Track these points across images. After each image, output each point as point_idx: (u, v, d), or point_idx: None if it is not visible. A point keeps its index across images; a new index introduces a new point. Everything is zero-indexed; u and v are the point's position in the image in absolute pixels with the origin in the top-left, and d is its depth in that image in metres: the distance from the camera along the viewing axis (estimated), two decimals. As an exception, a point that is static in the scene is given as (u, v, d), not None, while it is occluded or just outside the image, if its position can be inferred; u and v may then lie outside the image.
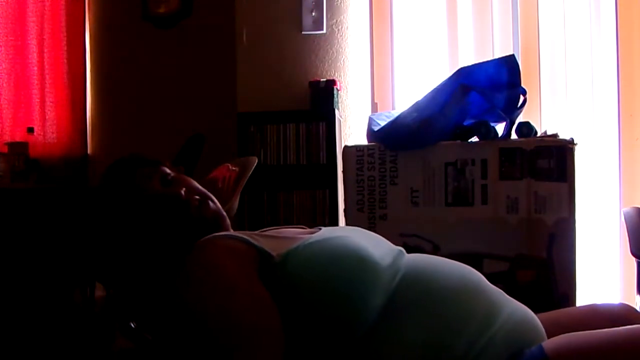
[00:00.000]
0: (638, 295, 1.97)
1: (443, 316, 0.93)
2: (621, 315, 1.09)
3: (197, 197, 1.11)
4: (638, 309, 1.84)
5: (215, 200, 1.14)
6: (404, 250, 1.08)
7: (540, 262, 1.67)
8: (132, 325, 1.11)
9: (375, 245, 1.04)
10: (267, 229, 1.20)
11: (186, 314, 0.93)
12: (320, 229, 1.15)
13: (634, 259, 1.94)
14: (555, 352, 0.90)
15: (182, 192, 1.09)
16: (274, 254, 0.97)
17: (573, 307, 1.24)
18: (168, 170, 1.14)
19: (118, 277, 1.10)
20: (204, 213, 1.10)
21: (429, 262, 1.05)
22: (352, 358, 0.92)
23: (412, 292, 0.96)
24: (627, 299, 2.46)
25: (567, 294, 1.65)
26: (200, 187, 1.15)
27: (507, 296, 1.04)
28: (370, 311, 0.93)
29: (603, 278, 2.55)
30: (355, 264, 0.96)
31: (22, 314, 2.79)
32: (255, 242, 0.99)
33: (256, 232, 1.11)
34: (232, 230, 1.12)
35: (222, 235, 1.03)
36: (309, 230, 1.18)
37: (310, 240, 1.01)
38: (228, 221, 1.13)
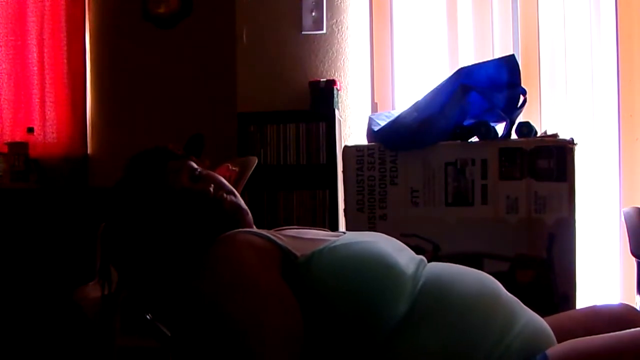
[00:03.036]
0: (638, 295, 1.97)
1: (462, 326, 0.93)
2: (622, 315, 1.09)
3: (224, 193, 1.10)
4: (638, 309, 1.85)
5: (239, 196, 1.13)
6: (425, 260, 1.07)
7: (540, 262, 1.66)
8: (148, 318, 1.11)
9: (400, 254, 1.03)
10: (286, 227, 1.18)
11: (206, 309, 0.91)
12: (344, 233, 1.14)
13: (634, 259, 1.94)
14: (559, 358, 0.90)
15: (211, 188, 1.08)
16: (298, 254, 0.96)
17: (574, 310, 1.24)
18: (195, 165, 1.12)
19: (141, 268, 1.08)
20: (229, 208, 1.09)
21: (449, 271, 1.04)
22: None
23: (432, 301, 0.95)
24: (627, 299, 2.46)
25: (567, 294, 1.65)
26: (226, 182, 1.14)
27: (522, 305, 1.04)
28: (393, 318, 0.92)
29: (603, 278, 2.55)
30: (382, 271, 0.95)
31: (22, 314, 2.79)
32: (279, 241, 0.98)
33: (275, 229, 1.10)
34: (254, 227, 1.11)
35: (245, 231, 1.02)
36: (332, 233, 1.16)
37: (336, 244, 0.99)
38: (250, 217, 1.11)
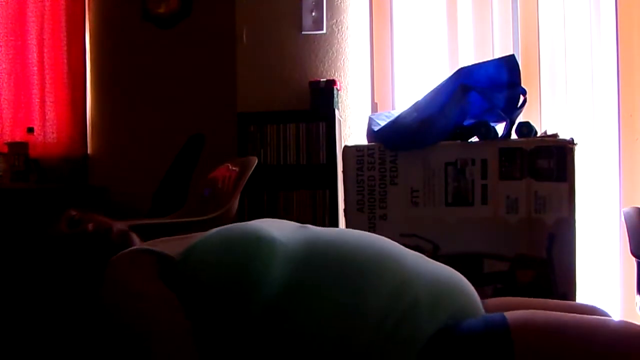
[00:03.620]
0: (638, 295, 1.97)
1: (351, 284, 0.95)
2: (590, 312, 1.09)
3: (105, 227, 1.20)
4: (638, 309, 1.85)
5: (117, 224, 1.23)
6: (309, 226, 1.13)
7: (540, 262, 1.66)
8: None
9: (277, 227, 1.08)
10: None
11: (108, 322, 1.00)
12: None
13: (634, 259, 1.94)
14: (518, 324, 0.90)
15: (89, 227, 1.18)
16: (173, 254, 1.03)
17: (548, 300, 1.25)
18: (73, 212, 1.23)
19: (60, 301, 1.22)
20: (115, 237, 1.19)
21: (334, 234, 1.08)
22: (264, 334, 0.94)
23: (317, 265, 0.99)
24: (627, 299, 2.46)
25: (567, 294, 1.65)
26: (103, 218, 1.24)
27: (430, 260, 1.06)
28: (270, 284, 0.95)
29: (603, 278, 2.55)
30: (249, 241, 1.00)
31: (23, 314, 2.79)
32: (155, 248, 1.06)
33: (171, 237, 1.18)
34: (138, 243, 1.19)
35: (125, 251, 1.09)
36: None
37: (210, 232, 1.06)
38: (134, 237, 1.21)
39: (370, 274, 0.97)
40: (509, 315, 0.93)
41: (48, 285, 1.16)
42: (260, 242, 1.00)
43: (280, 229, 1.07)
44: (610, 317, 1.06)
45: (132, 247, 1.11)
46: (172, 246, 1.06)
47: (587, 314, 1.05)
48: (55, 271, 1.16)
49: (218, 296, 0.96)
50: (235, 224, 1.10)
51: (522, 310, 0.97)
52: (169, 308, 0.96)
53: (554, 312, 0.96)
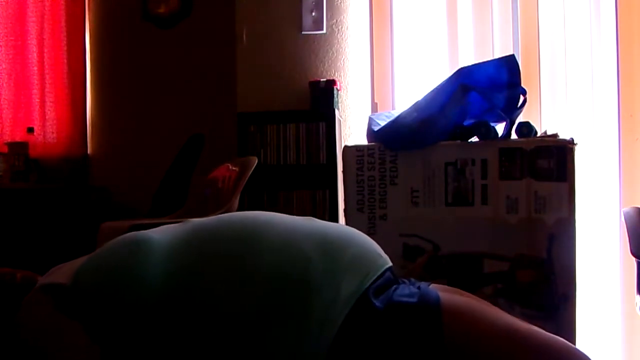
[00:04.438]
0: (638, 295, 1.97)
1: (229, 261, 0.97)
2: None
3: (6, 275, 1.21)
4: (638, 309, 1.85)
5: (20, 272, 1.23)
6: (192, 220, 1.15)
7: (540, 262, 1.66)
8: None
9: (157, 229, 1.12)
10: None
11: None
12: None
13: (634, 259, 1.94)
14: (450, 304, 0.93)
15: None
16: (63, 280, 1.05)
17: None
18: None
19: None
20: (18, 282, 1.19)
21: (216, 218, 1.11)
22: (162, 324, 0.96)
23: (196, 249, 1.02)
24: (627, 299, 2.46)
25: (567, 294, 1.65)
26: (6, 269, 1.25)
27: (319, 222, 1.08)
28: (153, 276, 0.98)
29: (603, 278, 2.55)
30: (125, 246, 1.04)
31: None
32: (46, 281, 1.08)
33: (66, 262, 1.20)
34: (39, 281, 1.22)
35: (30, 294, 1.10)
36: None
37: (97, 250, 1.10)
38: (36, 278, 1.22)
39: (247, 244, 0.99)
40: (444, 295, 0.95)
41: None
42: (137, 243, 1.03)
43: (160, 231, 1.10)
44: None
45: (34, 287, 1.13)
46: (64, 271, 1.09)
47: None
48: None
49: (106, 304, 0.99)
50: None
51: (462, 297, 0.99)
52: (65, 339, 0.98)
53: (495, 311, 0.97)
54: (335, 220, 2.51)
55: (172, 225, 1.15)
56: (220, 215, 1.14)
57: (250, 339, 0.92)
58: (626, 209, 2.02)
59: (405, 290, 0.97)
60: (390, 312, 0.92)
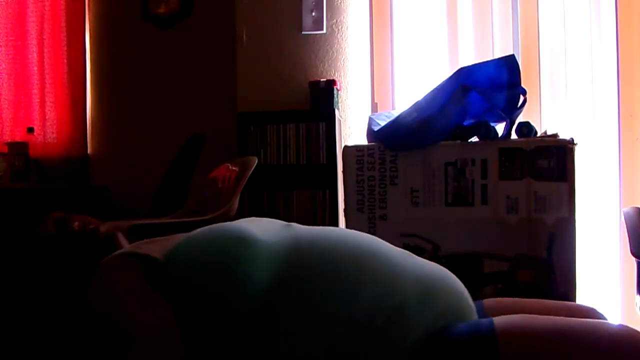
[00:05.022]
0: (638, 295, 1.97)
1: (335, 285, 0.95)
2: (586, 314, 1.09)
3: (94, 225, 1.20)
4: (638, 309, 1.85)
5: (104, 224, 1.22)
6: (293, 224, 1.12)
7: (540, 262, 1.66)
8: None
9: (260, 226, 1.08)
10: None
11: (93, 326, 1.00)
12: None
13: (634, 259, 1.94)
14: (505, 329, 0.91)
15: (74, 225, 1.18)
16: (157, 255, 1.03)
17: (547, 301, 1.24)
18: (61, 215, 1.23)
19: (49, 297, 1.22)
20: (99, 238, 1.19)
21: (320, 233, 1.08)
22: (251, 333, 0.94)
23: (304, 262, 0.98)
24: (627, 299, 2.46)
25: (567, 294, 1.65)
26: (90, 218, 1.24)
27: (417, 258, 1.06)
28: (254, 284, 0.95)
29: (603, 278, 2.55)
30: (233, 241, 1.00)
31: (23, 314, 2.79)
32: (139, 251, 1.06)
33: (156, 238, 1.17)
34: (125, 244, 1.19)
35: (113, 255, 1.09)
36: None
37: (193, 232, 1.07)
38: (120, 238, 1.21)
39: (356, 274, 0.96)
40: (498, 320, 0.93)
41: (35, 284, 1.15)
42: (244, 243, 1.00)
43: (264, 229, 1.07)
44: (606, 320, 1.06)
45: (119, 251, 1.10)
46: (156, 247, 1.06)
47: (584, 316, 1.05)
48: (42, 271, 1.16)
49: (204, 297, 0.96)
50: (218, 224, 1.10)
51: (511, 315, 0.97)
52: (153, 311, 0.95)
53: (544, 317, 0.95)
54: (335, 220, 2.51)
55: (271, 224, 1.12)
56: (324, 230, 1.10)
57: None
58: (626, 209, 2.02)
59: (462, 325, 0.96)
60: (447, 348, 0.91)
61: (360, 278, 0.96)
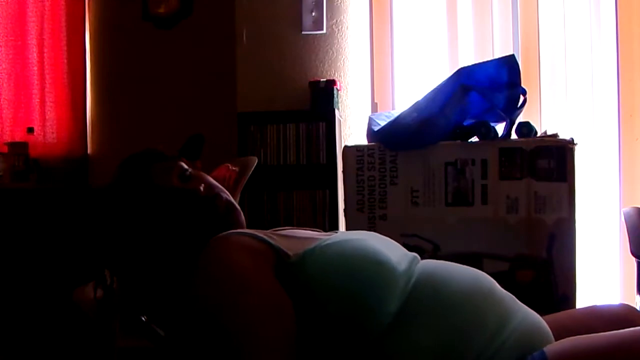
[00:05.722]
0: (638, 295, 1.97)
1: (456, 322, 0.93)
2: (622, 315, 1.09)
3: (217, 193, 1.10)
4: (638, 309, 1.85)
5: (230, 196, 1.12)
6: (418, 256, 1.07)
7: (540, 262, 1.66)
8: (143, 320, 1.10)
9: (391, 250, 1.03)
10: (281, 228, 1.18)
11: (199, 311, 0.92)
12: (336, 232, 1.14)
13: (634, 259, 1.94)
14: (558, 357, 0.90)
15: (201, 187, 1.07)
16: (290, 253, 0.96)
17: (574, 309, 1.24)
18: (186, 166, 1.12)
19: (134, 271, 1.07)
20: (222, 207, 1.08)
21: (442, 267, 1.04)
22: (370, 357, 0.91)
23: (425, 297, 0.96)
24: (627, 299, 2.46)
25: (567, 294, 1.65)
26: (216, 183, 1.13)
27: (518, 301, 1.04)
28: (385, 315, 0.92)
29: (603, 278, 2.55)
30: (373, 268, 0.95)
31: (23, 314, 2.79)
32: (272, 241, 0.98)
33: (270, 230, 1.10)
34: (244, 223, 1.11)
35: (238, 232, 1.01)
36: (324, 233, 1.17)
37: (328, 242, 0.99)
38: (243, 217, 1.11)
39: (475, 316, 0.94)
40: (548, 349, 0.92)
41: (144, 234, 1.03)
42: (382, 269, 0.95)
43: (392, 252, 1.02)
44: None
45: (245, 230, 1.03)
46: (287, 244, 0.99)
47: (619, 316, 1.05)
48: (154, 221, 1.03)
49: (332, 318, 0.92)
50: (350, 236, 1.04)
51: (561, 341, 0.95)
52: (279, 313, 0.89)
53: (595, 336, 0.94)
54: (335, 220, 2.51)
55: (395, 245, 1.07)
56: (447, 265, 1.05)
57: None
58: (626, 209, 2.02)
59: None
60: None
61: (482, 320, 0.94)
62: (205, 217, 1.05)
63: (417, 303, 0.94)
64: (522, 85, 1.80)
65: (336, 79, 2.76)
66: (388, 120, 1.85)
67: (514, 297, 1.04)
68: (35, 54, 3.26)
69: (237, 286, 0.90)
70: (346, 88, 2.86)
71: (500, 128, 1.79)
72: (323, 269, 0.94)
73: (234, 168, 2.50)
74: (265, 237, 0.99)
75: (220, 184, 1.21)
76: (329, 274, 0.94)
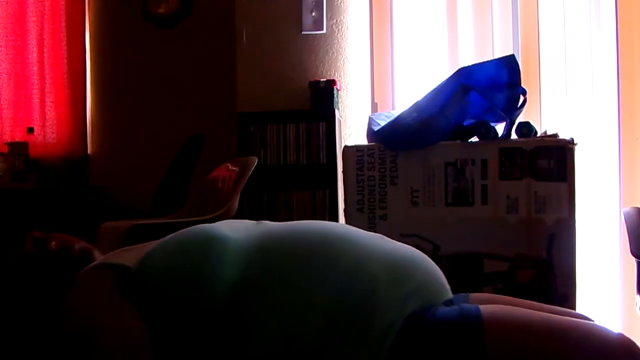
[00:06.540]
0: (638, 295, 1.97)
1: (298, 277, 0.96)
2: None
3: (69, 244, 1.19)
4: (638, 309, 1.85)
5: (80, 242, 1.22)
6: (263, 221, 1.13)
7: (540, 262, 1.66)
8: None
9: (229, 224, 1.09)
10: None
11: (62, 337, 0.99)
12: None
13: (634, 259, 1.94)
14: (491, 317, 0.90)
15: (52, 245, 1.17)
16: (129, 264, 1.03)
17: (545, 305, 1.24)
18: (38, 234, 1.22)
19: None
20: (77, 254, 1.18)
21: (287, 226, 1.09)
22: (220, 330, 0.94)
23: (268, 257, 1.00)
24: (627, 299, 2.46)
25: (567, 294, 1.65)
26: (67, 236, 1.23)
27: (388, 240, 1.07)
28: (223, 281, 0.96)
29: (603, 278, 2.55)
30: (201, 241, 1.02)
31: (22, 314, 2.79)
32: (112, 260, 1.06)
33: (132, 246, 1.17)
34: (99, 257, 1.19)
35: (88, 267, 1.09)
36: None
37: (166, 237, 1.08)
38: (95, 253, 1.21)
39: (321, 262, 0.97)
40: (485, 307, 0.93)
41: (12, 303, 1.15)
42: (212, 241, 1.01)
43: (234, 227, 1.08)
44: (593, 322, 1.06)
45: (93, 263, 1.11)
46: (131, 256, 1.07)
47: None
48: (20, 289, 1.15)
49: (173, 297, 0.97)
50: (192, 227, 1.11)
51: (500, 305, 0.97)
52: (120, 319, 0.96)
53: (535, 311, 0.95)
54: (335, 220, 2.51)
55: (242, 222, 1.13)
56: (292, 224, 1.11)
57: (307, 356, 0.91)
58: (626, 209, 2.02)
59: (447, 309, 0.96)
60: (432, 331, 0.91)
61: (324, 266, 0.97)
62: (62, 265, 1.15)
63: (258, 267, 0.98)
64: (522, 85, 1.80)
65: (336, 79, 2.76)
66: (388, 120, 1.85)
67: (382, 237, 1.08)
68: (35, 54, 3.26)
69: (83, 317, 0.97)
70: (346, 88, 2.86)
71: (500, 128, 1.79)
72: (158, 260, 1.02)
73: (233, 168, 2.50)
74: (106, 261, 1.07)
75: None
76: (161, 261, 1.01)
